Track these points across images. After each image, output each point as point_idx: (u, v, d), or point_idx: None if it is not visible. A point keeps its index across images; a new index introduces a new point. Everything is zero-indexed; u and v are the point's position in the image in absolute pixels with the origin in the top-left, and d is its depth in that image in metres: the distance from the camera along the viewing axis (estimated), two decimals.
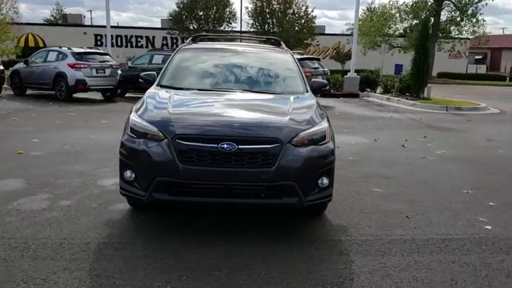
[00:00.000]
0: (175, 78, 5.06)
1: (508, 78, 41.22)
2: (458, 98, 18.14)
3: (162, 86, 4.84)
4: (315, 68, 15.59)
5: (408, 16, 34.75)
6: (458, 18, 34.03)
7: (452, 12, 34.71)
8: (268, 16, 36.58)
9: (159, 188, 3.70)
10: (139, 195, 3.82)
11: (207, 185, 3.74)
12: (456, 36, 35.79)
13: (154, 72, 5.29)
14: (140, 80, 5.29)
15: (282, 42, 6.17)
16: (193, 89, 4.76)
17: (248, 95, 4.71)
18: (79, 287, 3.03)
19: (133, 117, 4.02)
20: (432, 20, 33.52)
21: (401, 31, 35.86)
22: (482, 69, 54.81)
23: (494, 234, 4.19)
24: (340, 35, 42.77)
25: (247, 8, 36.83)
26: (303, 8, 35.88)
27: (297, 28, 35.82)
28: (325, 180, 3.90)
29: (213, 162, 3.64)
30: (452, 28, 35.04)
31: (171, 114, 3.93)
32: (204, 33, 7.33)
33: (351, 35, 39.29)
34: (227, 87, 4.93)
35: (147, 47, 37.65)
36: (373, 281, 3.24)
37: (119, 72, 15.04)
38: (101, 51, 15.91)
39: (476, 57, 61.23)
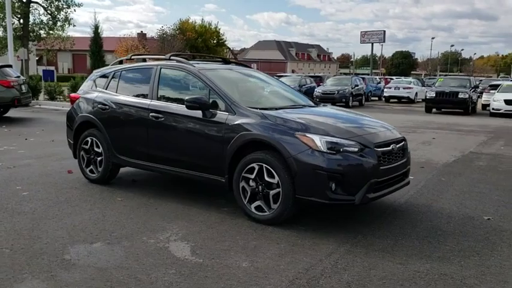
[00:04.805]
0: (245, 100, 5.19)
1: None
2: None
3: (252, 108, 4.91)
4: (18, 77, 13.73)
5: None
6: (51, 22, 34.47)
7: (42, 16, 34.70)
8: None
9: (371, 189, 4.45)
10: (349, 200, 4.41)
11: (387, 179, 4.75)
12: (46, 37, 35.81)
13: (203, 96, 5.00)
14: (188, 104, 4.93)
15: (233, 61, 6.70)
16: (278, 108, 5.14)
17: (316, 109, 5.63)
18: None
19: (321, 137, 4.40)
20: (22, 22, 32.63)
21: None
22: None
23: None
24: None
25: None
26: None
27: None
28: None
29: (390, 160, 4.77)
30: (42, 31, 35.09)
31: (349, 129, 4.73)
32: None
33: None
34: (286, 104, 5.65)
35: None
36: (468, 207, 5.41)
37: None
38: None
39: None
